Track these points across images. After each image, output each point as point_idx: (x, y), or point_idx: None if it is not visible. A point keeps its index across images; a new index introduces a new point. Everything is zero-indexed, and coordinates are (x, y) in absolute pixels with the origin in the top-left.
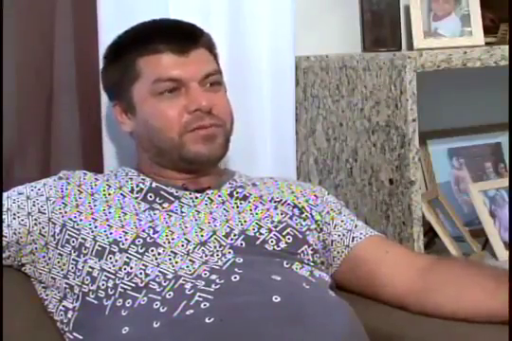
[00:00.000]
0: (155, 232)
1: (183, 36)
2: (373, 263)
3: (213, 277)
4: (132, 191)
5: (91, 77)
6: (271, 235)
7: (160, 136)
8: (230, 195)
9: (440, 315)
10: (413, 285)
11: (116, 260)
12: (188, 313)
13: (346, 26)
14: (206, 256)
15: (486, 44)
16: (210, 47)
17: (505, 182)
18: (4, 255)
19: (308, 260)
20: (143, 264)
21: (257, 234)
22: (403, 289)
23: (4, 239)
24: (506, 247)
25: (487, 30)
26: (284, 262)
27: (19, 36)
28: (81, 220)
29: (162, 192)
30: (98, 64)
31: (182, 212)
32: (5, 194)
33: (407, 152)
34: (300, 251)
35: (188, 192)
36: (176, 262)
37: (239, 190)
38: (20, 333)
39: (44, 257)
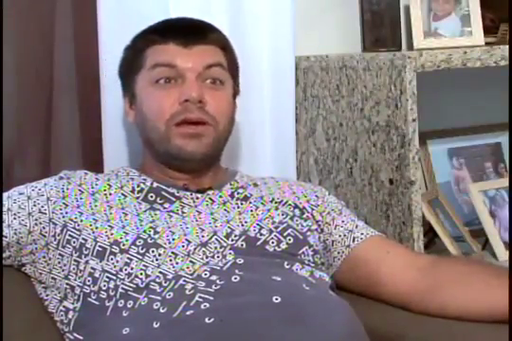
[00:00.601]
0: (155, 233)
1: (192, 31)
2: (373, 263)
3: (214, 277)
4: (133, 191)
5: (91, 77)
6: (272, 236)
7: (150, 126)
8: (231, 196)
9: (444, 314)
10: (417, 284)
11: (117, 261)
12: (188, 313)
13: (346, 26)
14: (206, 257)
15: (486, 44)
16: (224, 47)
17: (505, 182)
18: (4, 255)
19: (309, 260)
20: (144, 265)
21: (258, 235)
22: (406, 288)
23: (4, 239)
24: (506, 247)
25: (487, 30)
26: (285, 263)
27: (19, 36)
28: (81, 220)
29: (163, 192)
30: (98, 64)
31: (183, 212)
32: (5, 194)
33: (407, 152)
34: (300, 252)
35: (189, 193)
36: (177, 263)
37: (240, 191)
38: (20, 334)
39: (44, 257)
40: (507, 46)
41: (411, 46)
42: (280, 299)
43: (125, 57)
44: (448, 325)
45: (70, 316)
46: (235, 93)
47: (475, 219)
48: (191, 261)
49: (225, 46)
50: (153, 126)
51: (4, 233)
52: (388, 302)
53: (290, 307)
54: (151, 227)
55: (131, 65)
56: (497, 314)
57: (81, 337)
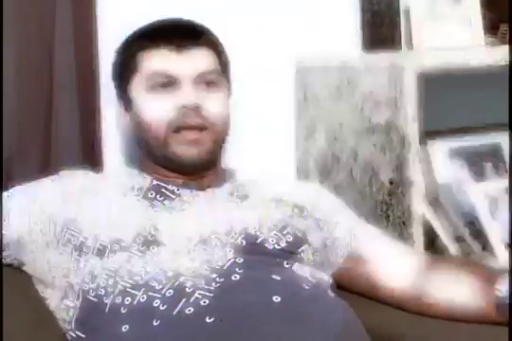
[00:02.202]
0: (155, 230)
1: (184, 34)
2: (372, 263)
3: (213, 275)
4: (132, 189)
5: (91, 77)
6: (272, 234)
7: (147, 131)
8: (231, 194)
9: (434, 316)
10: (409, 285)
11: (117, 259)
12: (187, 311)
13: (346, 26)
14: (206, 254)
15: (486, 44)
16: (216, 48)
17: (505, 182)
18: (4, 253)
19: (308, 259)
20: (144, 262)
21: (257, 233)
22: (400, 288)
23: (4, 237)
24: (506, 247)
25: (487, 30)
26: (285, 262)
27: (19, 36)
28: (82, 219)
29: (163, 190)
30: (98, 65)
31: (183, 209)
32: (5, 194)
33: (407, 152)
34: (300, 250)
35: (189, 190)
36: (177, 260)
37: (240, 189)
38: (20, 333)
39: (44, 256)
40: (507, 46)
41: (411, 46)
42: (280, 299)
43: (117, 61)
44: (448, 325)
45: (71, 314)
46: (229, 93)
47: (475, 219)
48: (190, 259)
49: (217, 48)
50: (151, 132)
51: (4, 232)
52: (385, 302)
53: (290, 306)
54: (151, 225)
55: (124, 70)
56: (481, 317)
57: (83, 335)
